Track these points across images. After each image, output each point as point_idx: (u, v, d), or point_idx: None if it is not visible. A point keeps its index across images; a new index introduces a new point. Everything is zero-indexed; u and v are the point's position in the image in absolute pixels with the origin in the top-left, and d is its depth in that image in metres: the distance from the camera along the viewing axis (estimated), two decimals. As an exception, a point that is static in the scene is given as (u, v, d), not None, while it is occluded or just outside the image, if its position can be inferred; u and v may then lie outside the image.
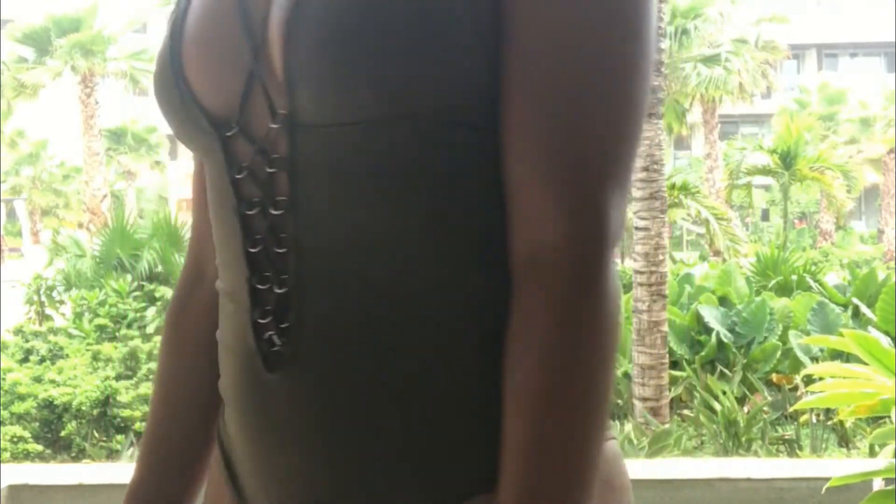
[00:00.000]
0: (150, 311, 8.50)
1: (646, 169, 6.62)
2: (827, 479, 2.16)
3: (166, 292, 8.65)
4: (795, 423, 5.87)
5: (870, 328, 6.87)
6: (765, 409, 5.99)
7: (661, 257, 6.60)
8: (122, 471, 2.97)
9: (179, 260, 8.91)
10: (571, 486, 0.66)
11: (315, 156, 0.70)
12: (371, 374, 0.70)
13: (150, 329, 8.17)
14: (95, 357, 6.86)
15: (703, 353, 7.08)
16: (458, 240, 0.70)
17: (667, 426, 5.53)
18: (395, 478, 0.71)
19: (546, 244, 0.65)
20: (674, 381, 6.73)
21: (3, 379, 6.12)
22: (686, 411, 6.54)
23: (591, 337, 0.66)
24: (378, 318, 0.70)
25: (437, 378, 0.70)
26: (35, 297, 9.89)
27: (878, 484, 2.17)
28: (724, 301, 7.75)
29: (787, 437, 5.76)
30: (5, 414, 5.77)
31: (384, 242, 0.70)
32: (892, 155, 24.58)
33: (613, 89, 0.70)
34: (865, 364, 2.37)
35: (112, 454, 5.43)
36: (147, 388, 6.01)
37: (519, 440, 0.66)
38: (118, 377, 6.39)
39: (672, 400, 6.57)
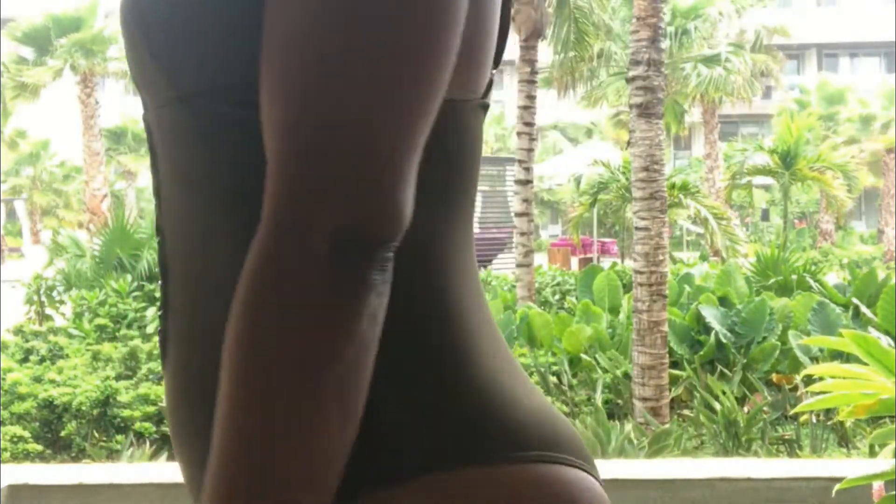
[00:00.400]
0: (150, 311, 8.49)
1: (646, 169, 6.62)
2: (827, 479, 2.16)
3: (166, 292, 8.64)
4: (795, 423, 5.86)
5: (870, 328, 6.87)
6: (765, 409, 5.99)
7: (661, 257, 6.60)
8: (122, 471, 2.97)
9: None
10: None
11: (156, 139, 0.73)
12: (207, 363, 0.67)
13: (150, 329, 8.17)
14: (95, 357, 6.85)
15: (702, 353, 7.07)
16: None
17: (667, 426, 5.53)
18: None
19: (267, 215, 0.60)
20: (674, 381, 6.73)
21: (3, 379, 6.12)
22: (686, 411, 6.54)
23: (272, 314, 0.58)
24: (203, 308, 0.71)
25: None
26: (35, 297, 9.89)
27: (878, 487, 2.17)
28: (723, 301, 7.75)
29: (787, 437, 5.75)
30: (5, 414, 5.77)
31: (195, 229, 0.71)
32: (892, 155, 24.57)
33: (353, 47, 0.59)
34: (865, 364, 2.37)
35: (112, 454, 5.42)
36: (147, 388, 6.01)
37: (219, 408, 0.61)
38: (118, 377, 6.39)
39: (672, 400, 6.57)
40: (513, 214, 10.97)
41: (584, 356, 7.12)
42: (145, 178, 29.90)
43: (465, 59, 0.67)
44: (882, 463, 2.19)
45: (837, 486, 2.09)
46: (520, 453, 0.69)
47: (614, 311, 8.47)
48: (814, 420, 5.87)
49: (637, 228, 6.69)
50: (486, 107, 0.76)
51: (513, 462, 0.68)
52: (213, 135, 0.68)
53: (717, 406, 5.68)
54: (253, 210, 0.62)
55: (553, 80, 13.55)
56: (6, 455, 5.28)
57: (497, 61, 0.78)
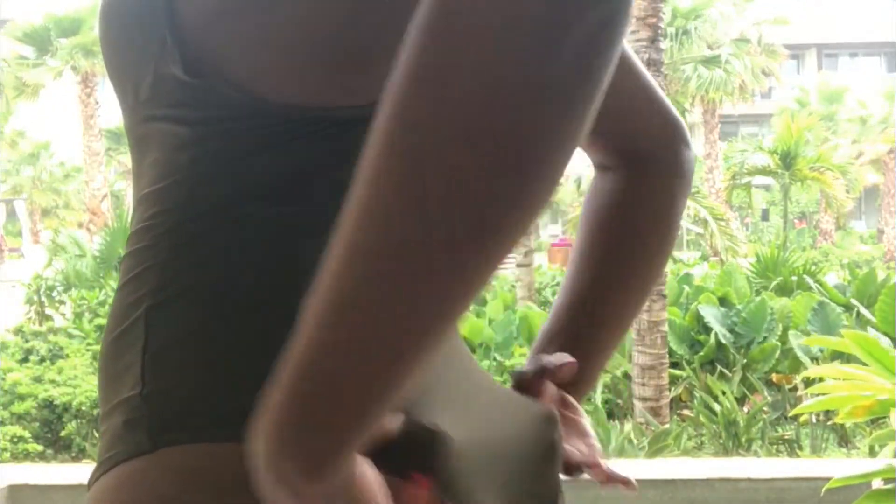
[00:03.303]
0: (150, 311, 8.50)
1: (646, 169, 6.63)
2: (827, 480, 2.16)
3: (166, 292, 8.66)
4: (795, 423, 5.87)
5: (869, 328, 6.88)
6: (765, 409, 5.99)
7: (661, 257, 6.60)
8: (122, 471, 2.97)
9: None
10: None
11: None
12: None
13: (150, 329, 8.17)
14: (95, 357, 6.85)
15: (702, 354, 7.08)
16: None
17: (666, 426, 5.53)
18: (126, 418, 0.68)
19: None
20: (673, 381, 6.74)
21: (3, 379, 6.12)
22: (686, 411, 6.54)
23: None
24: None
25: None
26: (35, 297, 9.89)
27: (877, 485, 2.17)
28: (723, 301, 7.75)
29: (787, 437, 5.76)
30: (5, 414, 5.77)
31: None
32: (892, 155, 24.58)
33: None
34: (865, 365, 2.37)
35: (112, 454, 5.43)
36: (147, 388, 6.01)
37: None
38: (118, 377, 6.39)
39: (672, 400, 6.57)
40: (513, 214, 10.96)
41: (583, 356, 7.12)
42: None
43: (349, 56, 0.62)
44: (877, 462, 2.19)
45: (826, 486, 2.09)
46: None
47: (614, 311, 8.47)
48: (814, 420, 5.87)
49: (637, 228, 6.69)
50: None
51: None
52: (142, 137, 0.69)
53: (717, 406, 5.68)
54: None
55: None
56: (6, 455, 5.28)
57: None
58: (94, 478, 0.67)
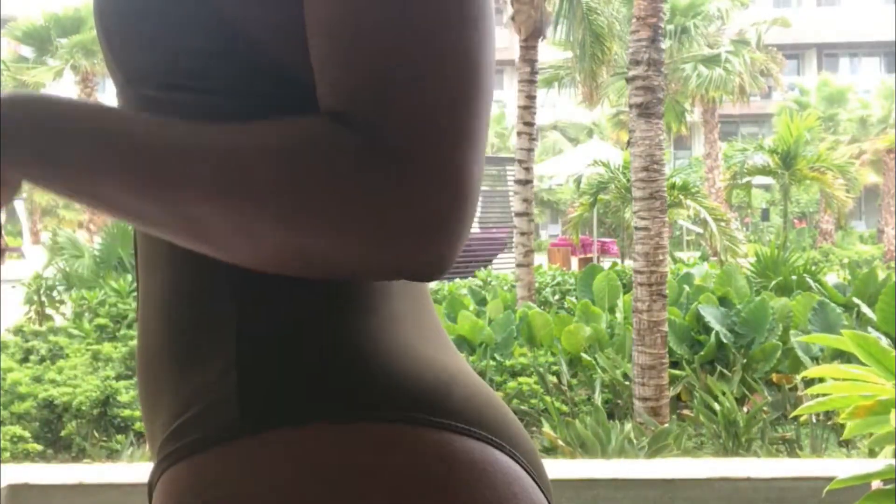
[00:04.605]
0: (150, 311, 8.50)
1: (646, 169, 6.62)
2: (827, 480, 2.16)
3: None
4: (795, 423, 5.87)
5: (869, 328, 6.88)
6: (765, 409, 5.99)
7: (661, 257, 6.60)
8: (122, 471, 2.97)
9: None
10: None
11: None
12: (150, 334, 0.73)
13: (150, 329, 8.17)
14: (95, 357, 6.86)
15: (702, 353, 7.08)
16: None
17: (666, 426, 5.53)
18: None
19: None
20: (673, 381, 6.74)
21: (4, 379, 6.12)
22: (686, 411, 6.54)
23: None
24: (146, 282, 0.75)
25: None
26: (35, 297, 9.88)
27: (877, 486, 2.17)
28: (723, 301, 7.75)
29: (787, 437, 5.76)
30: (5, 414, 5.77)
31: None
32: (892, 155, 24.57)
33: None
34: (865, 364, 2.37)
35: (112, 454, 5.42)
36: (147, 388, 6.01)
37: None
38: (118, 377, 6.39)
39: (672, 400, 6.57)
40: (513, 214, 10.98)
41: (583, 356, 7.12)
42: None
43: None
44: (877, 462, 2.19)
45: (828, 487, 2.09)
46: (390, 413, 0.64)
47: (614, 310, 8.47)
48: (814, 420, 5.87)
49: (637, 228, 6.69)
50: None
51: (375, 421, 0.64)
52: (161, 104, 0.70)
53: (717, 406, 5.68)
54: None
55: (578, 87, 13.38)
56: (6, 455, 5.28)
57: None
58: (174, 459, 0.66)
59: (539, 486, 0.70)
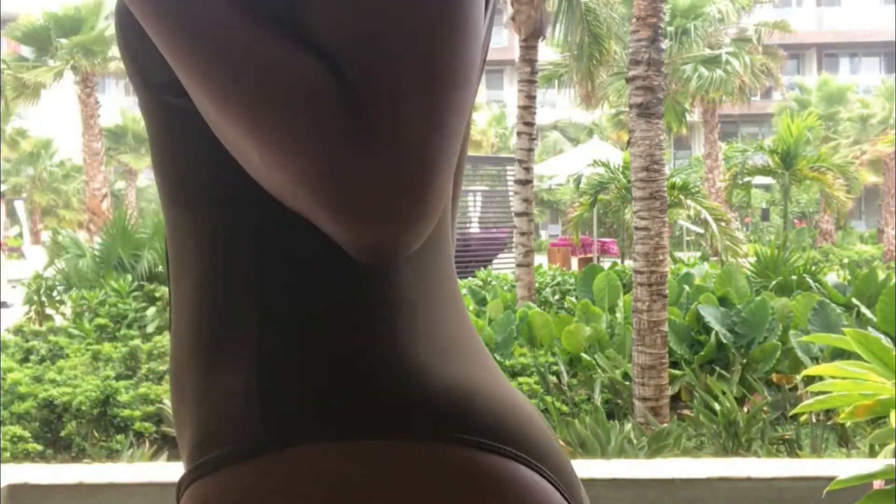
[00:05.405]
0: (150, 311, 8.49)
1: (646, 169, 6.62)
2: (827, 479, 2.16)
3: (166, 292, 8.65)
4: (795, 423, 5.87)
5: (869, 328, 6.87)
6: (765, 409, 5.99)
7: (661, 257, 6.60)
8: (122, 471, 2.97)
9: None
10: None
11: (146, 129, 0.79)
12: (184, 343, 0.74)
13: (150, 329, 8.16)
14: (95, 357, 6.85)
15: (702, 354, 7.07)
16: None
17: (666, 426, 5.53)
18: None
19: None
20: (673, 381, 6.74)
21: (4, 379, 6.12)
22: (686, 411, 6.54)
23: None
24: (176, 289, 0.75)
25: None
26: (35, 297, 9.88)
27: (878, 486, 2.17)
28: (723, 301, 7.74)
29: (787, 437, 5.75)
30: (5, 414, 5.77)
31: (167, 214, 0.75)
32: (893, 155, 24.57)
33: None
34: (866, 363, 2.37)
35: (112, 454, 5.42)
36: (147, 388, 6.01)
37: None
38: (118, 377, 6.39)
39: (672, 399, 6.57)
40: (513, 214, 10.97)
41: (583, 356, 7.12)
42: (145, 178, 29.90)
43: None
44: (877, 463, 2.19)
45: (828, 488, 2.09)
46: (413, 433, 0.65)
47: (614, 310, 8.47)
48: (814, 420, 5.87)
49: (637, 228, 6.69)
50: None
51: (397, 439, 0.64)
52: (161, 125, 0.72)
53: (717, 406, 5.68)
54: (195, 204, 0.68)
55: (574, 86, 13.35)
56: (6, 455, 5.28)
57: None
58: (200, 473, 0.66)
59: (566, 499, 0.69)
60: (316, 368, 0.66)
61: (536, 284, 10.28)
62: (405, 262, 0.69)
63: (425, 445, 0.64)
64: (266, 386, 0.65)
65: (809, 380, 5.66)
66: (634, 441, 5.02)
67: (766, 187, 26.84)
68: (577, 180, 18.73)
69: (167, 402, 5.58)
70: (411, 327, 0.69)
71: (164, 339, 7.29)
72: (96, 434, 5.76)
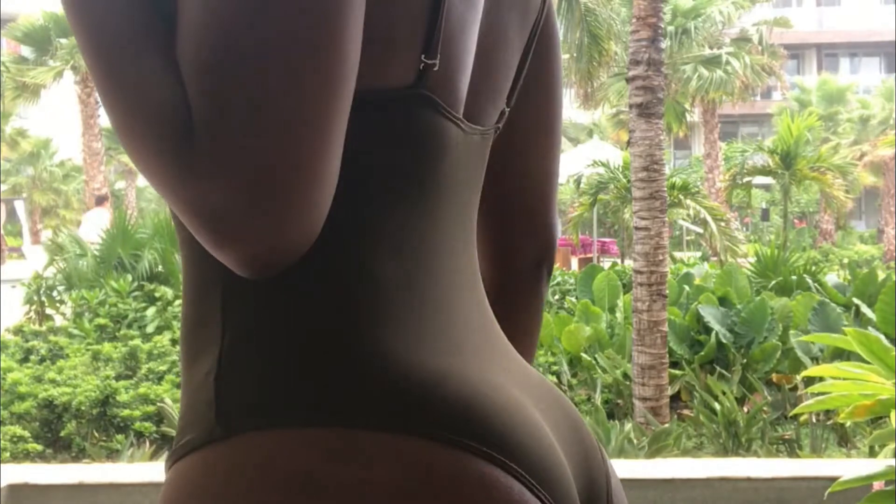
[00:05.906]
0: (150, 311, 8.48)
1: (646, 169, 6.62)
2: (827, 479, 2.16)
3: (166, 292, 8.65)
4: (795, 423, 5.86)
5: (869, 328, 6.87)
6: (765, 409, 5.99)
7: (661, 257, 6.60)
8: (122, 471, 2.97)
9: (179, 260, 8.88)
10: None
11: None
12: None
13: (150, 329, 8.16)
14: (95, 357, 6.85)
15: (702, 353, 7.07)
16: None
17: (666, 426, 5.53)
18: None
19: None
20: (673, 381, 6.74)
21: (4, 379, 6.12)
22: (686, 411, 6.54)
23: None
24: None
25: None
26: (35, 297, 9.87)
27: (878, 487, 2.17)
28: (723, 301, 7.74)
29: (787, 437, 5.75)
30: (5, 414, 5.77)
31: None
32: (893, 155, 24.56)
33: None
34: (866, 363, 2.37)
35: (112, 454, 5.42)
36: (147, 388, 6.01)
37: None
38: (118, 377, 6.38)
39: (672, 399, 6.57)
40: (513, 214, 10.94)
41: (583, 356, 7.12)
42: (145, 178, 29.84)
43: (368, 39, 0.63)
44: (878, 463, 2.19)
45: (830, 489, 2.09)
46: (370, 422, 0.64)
47: (614, 310, 8.47)
48: (814, 420, 5.87)
49: (637, 228, 6.69)
50: (423, 98, 0.70)
51: (339, 426, 0.63)
52: None
53: (717, 406, 5.68)
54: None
55: (574, 86, 13.31)
56: (6, 455, 5.28)
57: (429, 50, 0.70)
58: (172, 461, 0.69)
59: (541, 498, 0.66)
60: (272, 357, 0.67)
61: (536, 284, 10.25)
62: (377, 251, 0.69)
63: (369, 434, 0.62)
64: (223, 376, 0.67)
65: (809, 380, 5.66)
66: (634, 441, 5.02)
67: (766, 187, 26.83)
68: (577, 180, 18.71)
69: (167, 401, 5.58)
70: (375, 316, 0.68)
71: (164, 339, 7.29)
72: (96, 434, 5.76)
